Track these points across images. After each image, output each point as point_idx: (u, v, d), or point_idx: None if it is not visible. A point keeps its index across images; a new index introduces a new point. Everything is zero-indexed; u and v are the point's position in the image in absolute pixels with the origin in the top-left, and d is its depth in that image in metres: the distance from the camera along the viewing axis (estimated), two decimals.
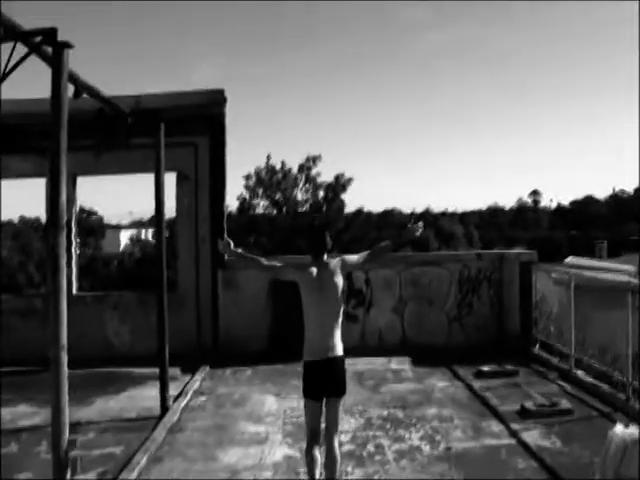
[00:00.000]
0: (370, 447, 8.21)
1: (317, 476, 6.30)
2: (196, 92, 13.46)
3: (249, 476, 7.39)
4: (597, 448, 6.99)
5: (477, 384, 11.09)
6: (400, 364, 12.70)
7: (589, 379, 10.68)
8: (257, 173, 50.86)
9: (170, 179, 13.38)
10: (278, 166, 51.15)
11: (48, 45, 6.58)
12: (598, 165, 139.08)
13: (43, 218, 36.46)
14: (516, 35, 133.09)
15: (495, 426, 8.90)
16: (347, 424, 8.97)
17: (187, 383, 11.53)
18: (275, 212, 51.44)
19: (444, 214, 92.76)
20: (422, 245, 48.43)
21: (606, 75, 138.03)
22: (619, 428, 6.51)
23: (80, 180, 14.37)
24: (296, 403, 9.75)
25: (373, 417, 9.44)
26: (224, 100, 13.55)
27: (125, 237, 72.77)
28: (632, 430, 6.42)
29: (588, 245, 76.74)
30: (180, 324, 13.00)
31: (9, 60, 6.59)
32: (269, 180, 50.70)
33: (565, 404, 9.49)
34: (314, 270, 6.43)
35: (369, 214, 63.40)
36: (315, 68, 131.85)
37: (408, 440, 8.44)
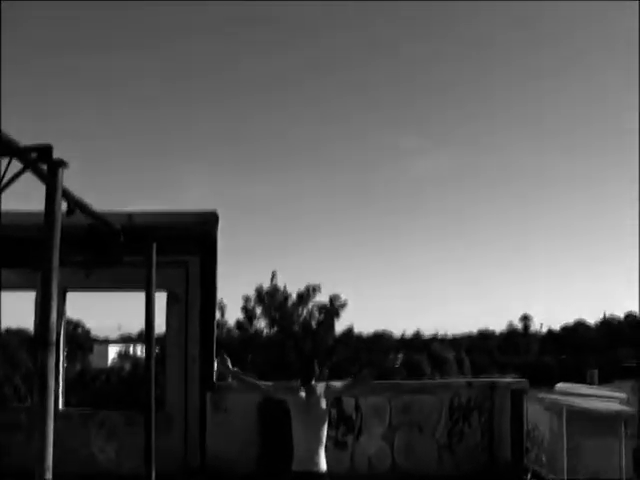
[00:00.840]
0: None
1: None
2: (189, 212, 13.53)
3: None
4: None
5: None
6: None
7: None
8: (258, 291, 50.92)
9: (161, 296, 13.32)
10: (280, 285, 51.29)
11: (43, 162, 6.67)
12: (589, 290, 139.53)
13: (30, 328, 36.13)
14: (509, 163, 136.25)
15: None
16: None
17: None
18: (272, 332, 51.21)
19: (435, 338, 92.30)
20: (415, 370, 48.15)
21: (598, 203, 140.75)
22: None
23: (70, 294, 14.28)
24: None
25: None
26: (216, 221, 13.63)
27: (113, 352, 71.98)
28: None
29: (579, 370, 76.16)
30: (167, 444, 12.69)
31: (4, 175, 6.66)
32: (270, 300, 50.67)
33: None
34: (302, 394, 7.44)
35: (359, 336, 63.10)
36: (308, 191, 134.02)
37: None
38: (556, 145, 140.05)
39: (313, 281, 53.99)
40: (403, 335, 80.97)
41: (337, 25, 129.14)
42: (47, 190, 6.57)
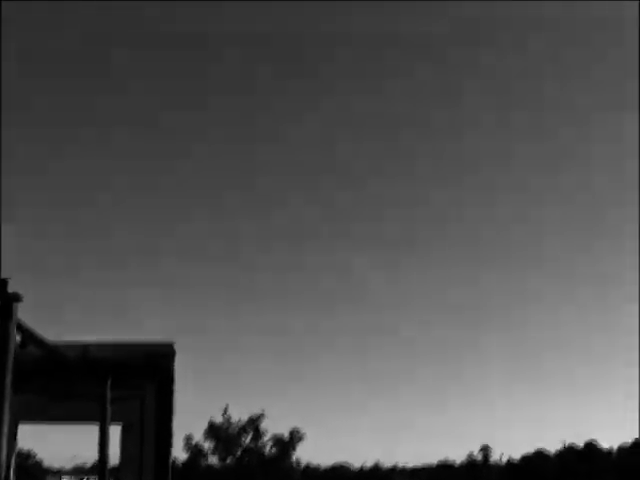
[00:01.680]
0: None
1: None
2: (145, 343, 13.45)
3: None
4: None
5: None
6: None
7: None
8: (211, 425, 50.04)
9: (115, 427, 13.07)
10: (232, 418, 50.48)
11: None
12: (548, 419, 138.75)
13: None
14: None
15: None
16: None
17: None
18: (224, 462, 50.02)
19: (394, 469, 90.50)
20: None
21: (548, 330, 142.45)
22: None
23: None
24: None
25: None
26: (173, 351, 13.57)
27: None
28: None
29: None
30: None
31: None
32: (224, 432, 49.80)
33: None
34: None
35: (317, 468, 61.71)
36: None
37: None
38: None
39: (270, 413, 53.17)
40: (362, 467, 79.24)
41: None
42: (0, 324, 6.42)
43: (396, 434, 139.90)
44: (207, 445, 51.13)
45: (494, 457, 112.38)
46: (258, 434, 51.06)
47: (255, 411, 51.92)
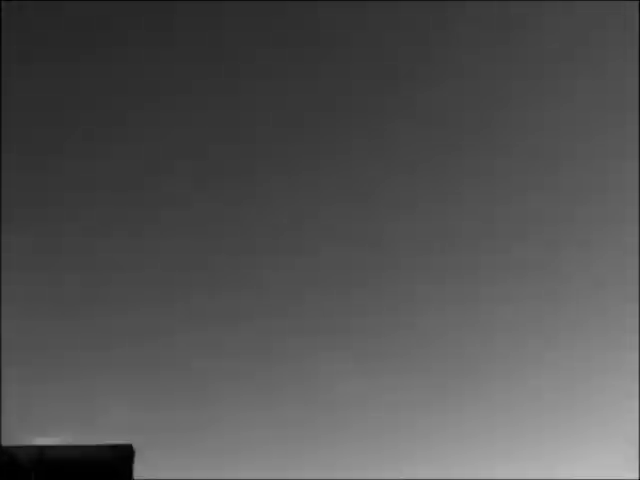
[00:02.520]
0: None
1: None
2: (103, 446, 13.44)
3: None
4: None
5: None
6: None
7: None
8: None
9: None
10: None
11: None
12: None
13: None
14: None
15: None
16: None
17: None
18: None
19: None
20: None
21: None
22: None
23: None
24: None
25: None
26: (132, 453, 13.54)
27: None
28: None
29: None
30: None
31: None
32: None
33: None
34: None
35: None
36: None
37: None
38: None
39: None
40: None
41: None
42: None
43: None
44: None
45: None
46: None
47: None
